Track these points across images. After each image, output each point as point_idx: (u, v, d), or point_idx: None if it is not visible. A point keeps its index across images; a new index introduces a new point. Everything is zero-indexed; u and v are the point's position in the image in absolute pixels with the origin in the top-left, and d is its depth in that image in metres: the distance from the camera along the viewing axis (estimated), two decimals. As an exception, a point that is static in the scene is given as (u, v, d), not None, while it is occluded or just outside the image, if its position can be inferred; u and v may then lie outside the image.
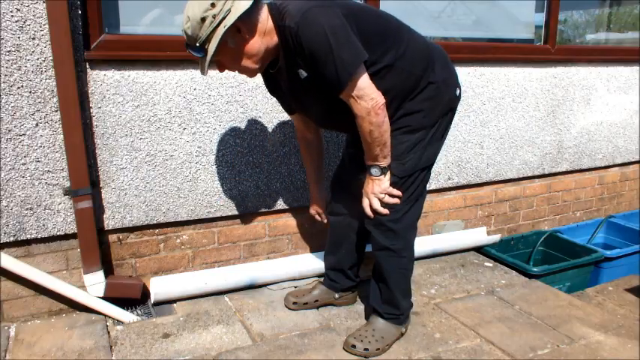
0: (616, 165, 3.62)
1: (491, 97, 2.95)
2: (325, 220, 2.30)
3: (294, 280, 2.51)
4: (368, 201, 1.84)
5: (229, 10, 1.56)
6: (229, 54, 1.67)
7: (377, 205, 1.83)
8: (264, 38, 1.67)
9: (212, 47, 1.59)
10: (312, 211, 2.34)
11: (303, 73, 1.69)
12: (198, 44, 1.61)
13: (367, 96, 1.64)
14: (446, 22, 2.96)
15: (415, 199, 1.90)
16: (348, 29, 1.59)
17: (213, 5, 1.55)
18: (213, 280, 2.35)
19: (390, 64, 1.73)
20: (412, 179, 1.85)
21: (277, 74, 1.81)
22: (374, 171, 1.79)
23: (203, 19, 1.56)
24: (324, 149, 2.27)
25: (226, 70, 1.77)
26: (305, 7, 1.58)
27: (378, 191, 1.81)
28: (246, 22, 1.61)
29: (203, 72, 1.67)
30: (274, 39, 1.69)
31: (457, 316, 2.22)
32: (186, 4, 1.60)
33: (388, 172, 1.80)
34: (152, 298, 2.24)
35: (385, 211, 1.83)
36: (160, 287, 2.26)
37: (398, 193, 1.83)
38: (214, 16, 1.55)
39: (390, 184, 1.81)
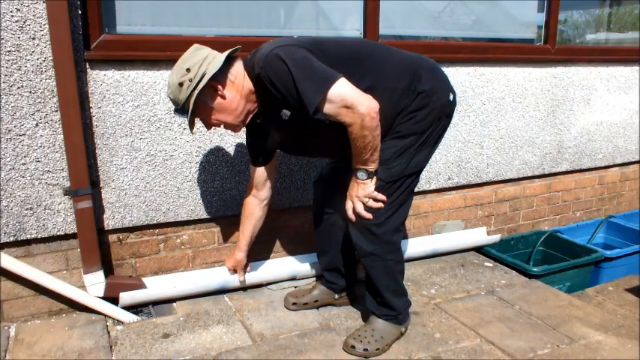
0: (616, 165, 3.62)
1: (491, 97, 2.95)
2: (242, 279, 2.34)
3: (294, 280, 2.52)
4: (351, 204, 1.83)
5: (204, 73, 1.68)
6: (210, 112, 1.77)
7: (360, 209, 1.81)
8: (242, 93, 1.76)
9: (189, 109, 1.71)
10: (229, 265, 2.32)
11: (287, 113, 1.73)
12: (180, 107, 1.73)
13: (357, 101, 1.61)
14: (446, 22, 2.96)
15: (400, 204, 1.88)
16: (311, 59, 1.64)
17: (188, 70, 1.69)
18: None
19: (371, 86, 1.73)
20: (398, 184, 1.84)
21: (264, 123, 1.87)
22: (360, 174, 1.77)
23: (181, 84, 1.70)
24: (265, 215, 2.24)
25: (214, 128, 1.88)
26: (267, 51, 1.65)
27: (363, 195, 1.79)
28: (221, 81, 1.72)
29: (190, 130, 1.80)
30: (253, 89, 1.76)
31: (457, 316, 2.22)
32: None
33: (374, 177, 1.78)
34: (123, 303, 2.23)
35: (368, 215, 1.82)
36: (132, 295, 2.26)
37: (382, 197, 1.81)
38: (190, 80, 1.69)
39: (376, 189, 1.80)
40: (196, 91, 1.68)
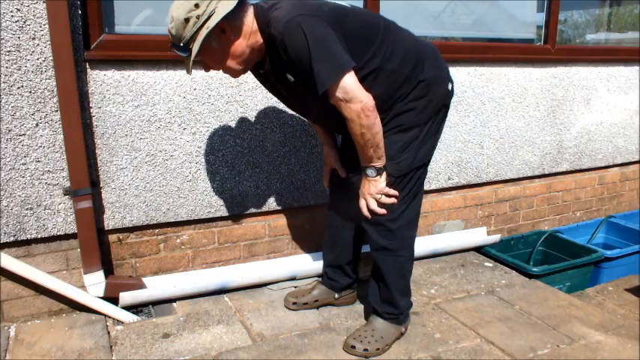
0: (616, 165, 3.62)
1: (491, 97, 2.95)
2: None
3: (294, 280, 2.51)
4: (365, 202, 1.85)
5: (213, 11, 1.58)
6: (213, 54, 1.68)
7: (374, 206, 1.83)
8: (249, 40, 1.69)
9: (195, 48, 1.61)
10: (331, 164, 2.16)
11: (291, 78, 1.71)
12: (182, 44, 1.62)
13: (356, 98, 1.63)
14: (446, 22, 2.96)
15: (412, 198, 1.90)
16: (331, 38, 1.60)
17: (197, 6, 1.57)
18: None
19: (377, 67, 1.74)
20: (408, 178, 1.86)
21: (267, 75, 1.83)
22: (370, 172, 1.79)
23: (187, 20, 1.58)
24: None
25: (212, 70, 1.79)
26: (289, 16, 1.59)
27: (375, 192, 1.81)
28: (231, 24, 1.63)
29: (188, 71, 1.68)
30: (259, 41, 1.70)
31: (457, 316, 2.22)
32: (172, 4, 1.62)
33: (384, 173, 1.80)
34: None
35: (382, 211, 1.83)
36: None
37: (394, 192, 1.83)
38: (198, 17, 1.57)
39: (387, 184, 1.81)
40: (204, 30, 1.58)
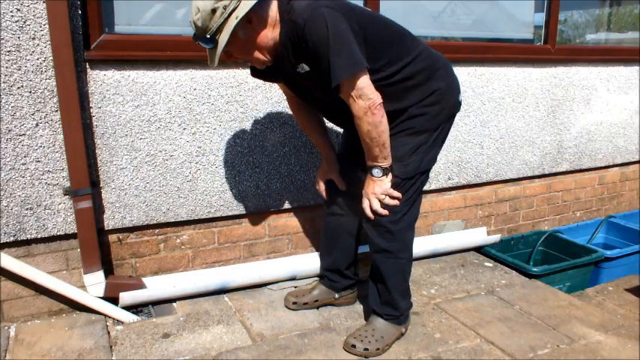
0: (616, 165, 3.62)
1: (491, 97, 2.95)
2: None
3: (294, 280, 2.51)
4: (368, 202, 1.85)
5: (239, 1, 1.58)
6: (239, 45, 1.68)
7: (377, 206, 1.83)
8: (273, 31, 1.70)
9: (224, 38, 1.60)
10: (321, 181, 2.18)
11: (305, 68, 1.71)
12: (208, 35, 1.61)
13: (365, 95, 1.66)
14: (446, 22, 2.96)
15: (413, 202, 1.92)
16: (350, 35, 1.62)
17: None
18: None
19: (394, 72, 1.76)
20: (413, 181, 1.87)
21: (276, 62, 1.81)
22: (375, 172, 1.79)
23: (214, 10, 1.57)
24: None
25: (225, 70, 1.78)
26: (315, 6, 1.61)
27: (379, 192, 1.81)
28: (258, 14, 1.64)
29: (212, 63, 1.68)
30: (279, 31, 1.71)
31: (457, 316, 2.22)
32: None
33: (389, 174, 1.80)
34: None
35: (385, 212, 1.84)
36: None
37: (398, 194, 1.83)
38: (225, 7, 1.57)
39: (392, 186, 1.82)
40: (233, 20, 1.57)
